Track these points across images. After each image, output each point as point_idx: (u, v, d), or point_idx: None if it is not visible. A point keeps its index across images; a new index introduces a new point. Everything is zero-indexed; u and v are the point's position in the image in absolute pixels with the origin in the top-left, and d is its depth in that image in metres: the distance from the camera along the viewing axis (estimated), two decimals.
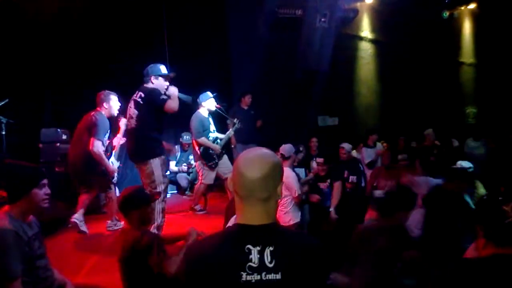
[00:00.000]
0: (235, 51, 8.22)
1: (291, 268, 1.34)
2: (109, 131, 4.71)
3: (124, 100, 5.00)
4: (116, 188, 6.79)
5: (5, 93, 5.86)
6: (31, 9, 6.65)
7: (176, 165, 7.55)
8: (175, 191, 7.44)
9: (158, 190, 4.00)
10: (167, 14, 7.55)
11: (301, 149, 6.04)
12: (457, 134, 8.27)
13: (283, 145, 5.02)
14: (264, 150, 1.49)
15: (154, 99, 4.00)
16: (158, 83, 4.18)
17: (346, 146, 5.82)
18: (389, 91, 9.49)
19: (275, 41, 8.22)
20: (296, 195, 4.73)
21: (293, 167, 5.21)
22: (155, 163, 4.00)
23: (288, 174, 4.67)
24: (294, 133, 7.69)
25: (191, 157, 7.47)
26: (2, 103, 5.64)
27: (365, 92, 9.83)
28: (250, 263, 1.34)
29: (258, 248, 1.35)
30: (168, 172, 7.76)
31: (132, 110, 4.13)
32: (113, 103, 4.81)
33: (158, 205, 3.97)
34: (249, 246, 1.35)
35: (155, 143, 4.09)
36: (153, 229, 3.76)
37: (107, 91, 4.85)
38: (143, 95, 4.09)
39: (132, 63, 6.82)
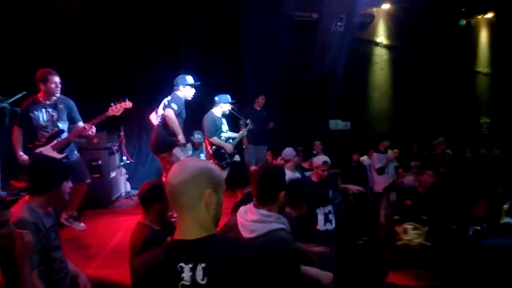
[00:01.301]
0: (250, 52, 8.26)
1: (224, 283, 1.31)
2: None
3: (139, 102, 5.15)
4: (128, 183, 6.91)
5: (22, 86, 5.99)
6: (52, 5, 6.80)
7: None
8: None
9: None
10: (184, 13, 7.63)
11: (314, 152, 6.03)
12: (471, 143, 8.21)
13: (285, 148, 5.06)
14: (195, 160, 1.51)
15: (169, 104, 4.82)
16: (185, 91, 5.03)
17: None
18: (403, 97, 9.46)
19: (290, 43, 8.24)
20: None
21: (302, 170, 5.20)
22: (177, 151, 4.82)
23: (288, 177, 4.67)
24: (305, 136, 7.70)
25: (202, 155, 7.51)
26: (19, 95, 5.74)
27: (379, 98, 9.81)
28: (182, 282, 1.31)
29: (190, 265, 1.32)
30: None
31: (160, 110, 4.91)
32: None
33: None
34: (182, 264, 1.33)
35: (173, 138, 4.83)
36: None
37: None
38: (170, 99, 4.91)
39: (149, 63, 6.94)
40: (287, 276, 2.19)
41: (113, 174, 6.32)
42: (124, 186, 6.76)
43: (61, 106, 4.22)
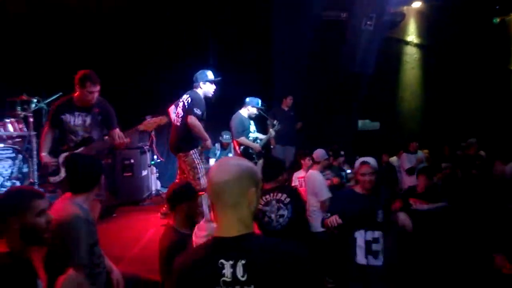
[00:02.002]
0: (278, 52, 8.27)
1: (265, 280, 1.33)
2: None
3: (169, 102, 5.31)
4: (158, 182, 7.07)
5: (58, 87, 6.24)
6: (85, 9, 7.04)
7: (215, 162, 7.69)
8: None
9: (200, 179, 4.54)
10: (213, 14, 7.72)
11: (342, 153, 5.99)
12: (505, 145, 7.93)
13: (317, 149, 5.02)
14: (236, 158, 1.53)
15: (191, 108, 4.60)
16: (206, 88, 4.77)
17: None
18: (434, 97, 9.24)
19: (318, 43, 8.20)
20: (323, 199, 4.44)
21: (337, 168, 5.16)
22: (194, 153, 4.67)
23: (315, 177, 4.63)
24: (333, 136, 7.65)
25: (230, 155, 7.59)
26: (55, 96, 5.99)
27: (409, 98, 9.62)
28: (223, 278, 1.34)
29: (231, 262, 1.35)
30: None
31: (179, 110, 4.74)
32: None
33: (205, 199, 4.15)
34: (222, 260, 1.36)
35: (193, 140, 4.71)
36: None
37: None
38: (190, 100, 4.68)
39: (179, 64, 7.06)
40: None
41: (144, 173, 6.50)
42: (154, 184, 6.92)
43: (96, 110, 3.94)
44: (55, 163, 3.78)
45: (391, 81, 9.38)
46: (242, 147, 5.73)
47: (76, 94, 3.90)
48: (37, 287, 1.90)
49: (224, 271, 1.35)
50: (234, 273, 1.34)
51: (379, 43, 8.04)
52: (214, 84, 4.83)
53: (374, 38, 7.88)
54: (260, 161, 5.75)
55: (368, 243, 3.11)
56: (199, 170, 4.63)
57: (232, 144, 7.15)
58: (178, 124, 4.75)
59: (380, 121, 9.18)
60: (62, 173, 3.71)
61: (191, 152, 4.65)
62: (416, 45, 9.60)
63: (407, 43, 9.55)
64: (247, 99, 5.79)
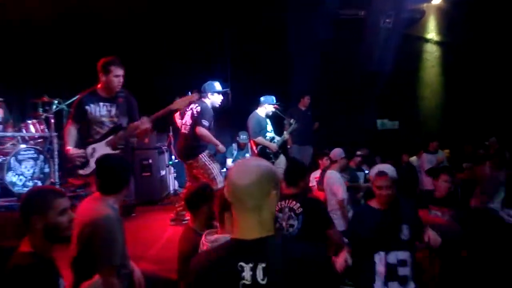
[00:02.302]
0: (294, 51, 8.24)
1: (285, 284, 1.32)
2: None
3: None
4: (176, 182, 7.12)
5: (78, 89, 6.33)
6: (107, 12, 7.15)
7: (232, 162, 7.73)
8: None
9: (216, 178, 4.58)
10: (228, 14, 7.73)
11: (359, 153, 5.93)
12: None
13: (335, 148, 5.02)
14: (257, 160, 1.51)
15: (200, 119, 4.70)
16: (213, 98, 4.92)
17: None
18: (455, 95, 9.04)
19: (335, 41, 8.13)
20: (341, 198, 4.52)
21: (354, 169, 5.11)
22: (203, 156, 4.72)
23: (332, 176, 4.64)
24: (351, 136, 7.57)
25: (247, 155, 7.60)
26: (75, 98, 6.08)
27: (429, 96, 9.44)
28: (243, 281, 1.33)
29: (251, 265, 1.33)
30: (224, 169, 7.99)
31: (188, 118, 4.84)
32: None
33: None
34: (242, 263, 1.34)
35: (200, 146, 4.79)
36: None
37: None
38: (199, 109, 4.79)
39: (196, 65, 7.10)
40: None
41: (162, 173, 6.56)
42: (172, 184, 6.98)
43: (120, 100, 3.81)
44: (83, 154, 3.64)
45: (410, 79, 9.22)
46: (259, 147, 5.72)
47: (99, 85, 3.78)
48: (59, 286, 1.92)
49: (243, 274, 1.33)
50: (254, 276, 1.33)
51: (398, 41, 7.93)
52: (222, 95, 4.99)
53: (393, 35, 7.77)
54: (278, 161, 5.74)
55: (391, 267, 2.64)
56: (212, 170, 4.68)
57: (249, 144, 7.16)
58: (186, 132, 4.84)
59: (399, 120, 9.06)
60: (92, 164, 3.55)
61: (200, 156, 4.71)
62: (436, 42, 9.41)
63: (427, 40, 9.37)
64: (262, 98, 5.79)
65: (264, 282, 1.32)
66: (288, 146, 6.94)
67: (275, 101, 5.80)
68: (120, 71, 3.72)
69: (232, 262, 1.35)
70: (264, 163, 1.47)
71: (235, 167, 1.47)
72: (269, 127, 5.86)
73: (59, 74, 7.36)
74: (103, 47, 6.84)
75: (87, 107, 3.73)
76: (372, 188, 2.89)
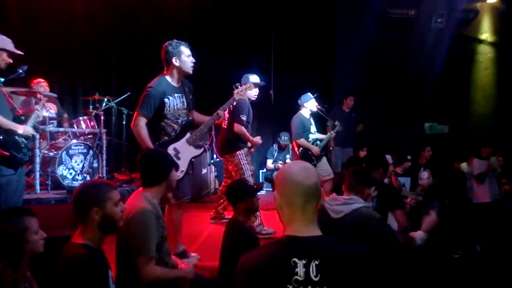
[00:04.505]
0: (340, 51, 8.11)
1: (337, 281, 1.36)
2: None
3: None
4: (217, 180, 7.20)
5: (127, 87, 6.58)
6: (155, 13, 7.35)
7: (272, 163, 7.73)
8: (271, 189, 7.60)
9: (246, 177, 4.50)
10: (275, 12, 7.71)
11: (408, 157, 5.74)
12: None
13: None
14: (305, 162, 1.61)
15: (237, 114, 4.58)
16: (250, 92, 4.58)
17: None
18: (509, 99, 8.55)
19: (383, 41, 7.92)
20: None
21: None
22: (241, 153, 4.62)
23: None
24: (397, 140, 7.34)
25: (288, 155, 7.56)
26: (125, 96, 6.31)
27: (481, 100, 8.96)
28: (296, 277, 1.36)
29: (304, 261, 1.38)
30: (264, 170, 7.99)
31: (226, 113, 4.68)
32: None
33: None
34: (295, 259, 1.38)
35: (239, 141, 4.66)
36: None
37: None
38: (235, 104, 4.46)
39: (240, 63, 7.14)
40: (389, 243, 2.49)
41: (204, 171, 6.64)
42: (213, 183, 7.05)
43: (186, 89, 3.52)
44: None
45: (462, 81, 8.79)
46: (301, 148, 5.67)
47: (166, 72, 3.44)
48: (109, 277, 1.98)
49: (297, 269, 1.37)
50: (307, 273, 1.36)
51: (450, 41, 7.62)
52: (258, 88, 4.73)
53: (445, 36, 7.48)
54: (319, 163, 5.65)
55: None
56: (245, 171, 4.59)
57: (290, 145, 7.12)
58: (225, 127, 4.80)
59: (449, 125, 8.68)
60: (182, 167, 3.40)
61: (237, 153, 4.62)
62: (491, 43, 8.93)
63: (481, 41, 8.90)
64: (299, 100, 5.72)
65: (317, 279, 1.36)
66: (330, 148, 6.83)
67: (311, 95, 5.71)
68: (189, 51, 3.42)
69: (286, 257, 1.39)
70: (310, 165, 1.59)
71: (298, 167, 1.53)
72: (313, 128, 5.79)
73: (110, 74, 7.66)
74: (152, 47, 7.07)
75: (165, 99, 3.34)
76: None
